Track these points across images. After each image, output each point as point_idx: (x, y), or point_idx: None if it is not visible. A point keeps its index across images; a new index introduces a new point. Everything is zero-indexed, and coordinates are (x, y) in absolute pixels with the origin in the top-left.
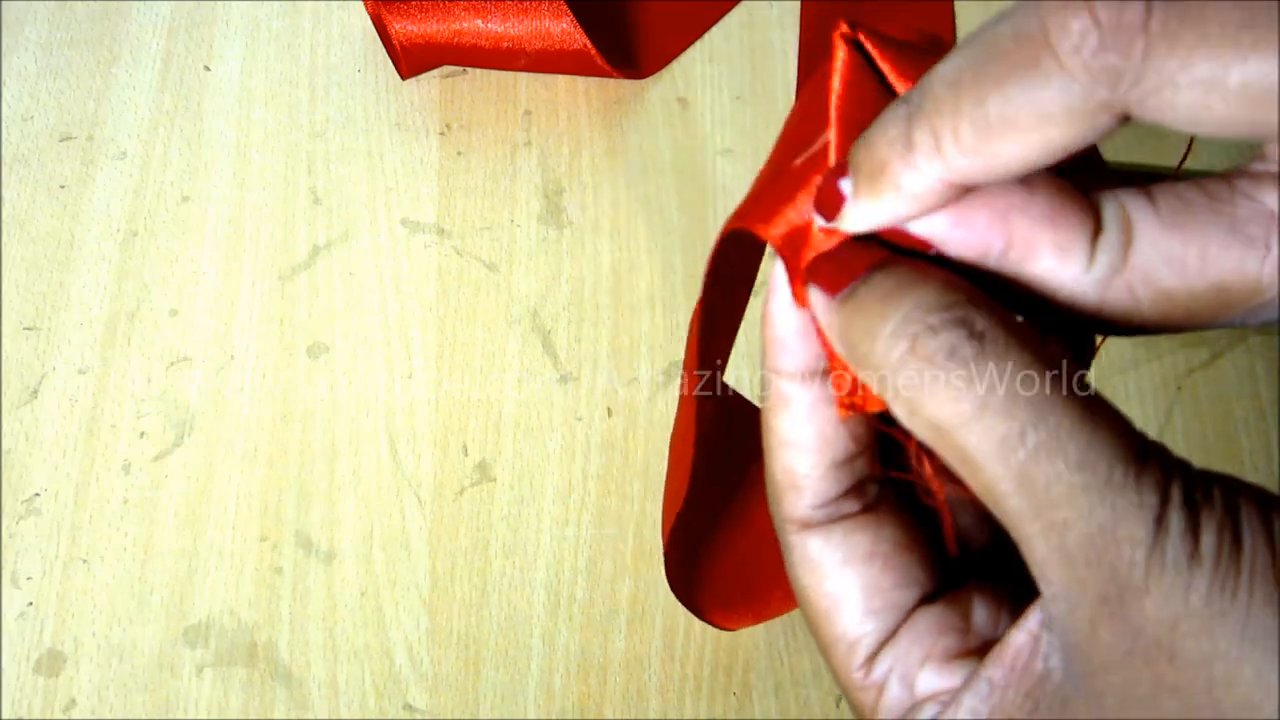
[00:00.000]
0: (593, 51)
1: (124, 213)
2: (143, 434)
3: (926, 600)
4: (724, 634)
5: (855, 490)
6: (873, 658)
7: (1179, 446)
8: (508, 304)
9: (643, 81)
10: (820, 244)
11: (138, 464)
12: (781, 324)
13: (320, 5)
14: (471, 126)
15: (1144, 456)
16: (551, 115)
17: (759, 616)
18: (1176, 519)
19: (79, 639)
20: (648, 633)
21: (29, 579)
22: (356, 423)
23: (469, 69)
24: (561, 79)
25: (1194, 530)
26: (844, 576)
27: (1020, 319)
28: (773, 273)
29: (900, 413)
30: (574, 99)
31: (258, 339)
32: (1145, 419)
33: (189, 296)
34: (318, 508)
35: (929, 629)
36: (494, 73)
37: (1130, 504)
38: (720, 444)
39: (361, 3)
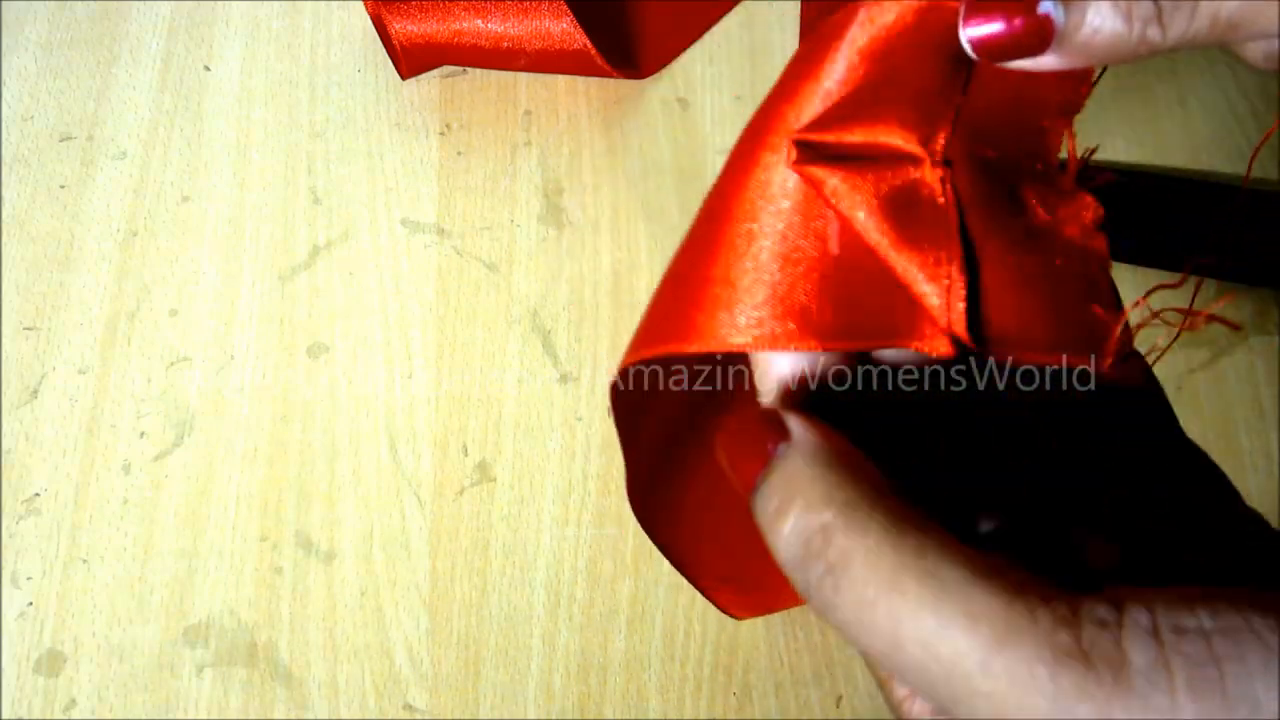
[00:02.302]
0: (593, 51)
1: (124, 213)
2: (143, 434)
3: None
4: (724, 634)
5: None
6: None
7: None
8: (508, 304)
9: (643, 81)
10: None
11: (138, 464)
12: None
13: (320, 5)
14: (471, 126)
15: (1030, 614)
16: (551, 115)
17: (770, 606)
18: (1084, 674)
19: (79, 639)
20: (648, 633)
21: (29, 579)
22: (356, 423)
23: (469, 69)
24: (561, 79)
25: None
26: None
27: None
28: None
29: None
30: (574, 99)
31: (258, 339)
32: None
33: (189, 296)
34: (318, 508)
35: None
36: (494, 73)
37: (1024, 681)
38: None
39: (361, 3)
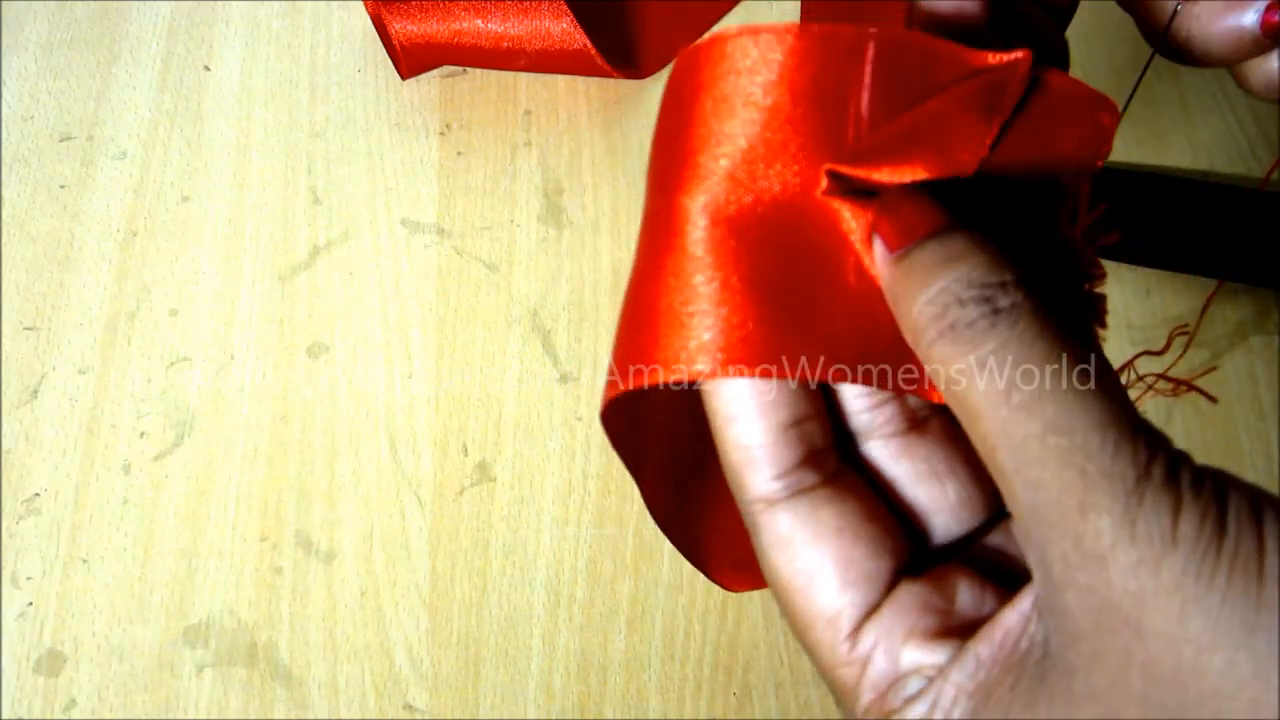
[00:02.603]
0: (593, 51)
1: (124, 213)
2: (143, 434)
3: (906, 576)
4: (724, 634)
5: (812, 460)
6: (856, 631)
7: (1179, 447)
8: (508, 304)
9: (643, 81)
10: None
11: (138, 464)
12: (738, 453)
13: (320, 5)
14: (471, 126)
15: (1132, 432)
16: (551, 115)
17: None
18: (1154, 496)
19: (79, 639)
20: (648, 633)
21: (29, 579)
22: (356, 423)
23: (469, 69)
24: (561, 79)
25: (1173, 510)
26: (816, 551)
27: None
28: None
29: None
30: (574, 99)
31: (258, 339)
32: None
33: (189, 296)
34: (318, 508)
35: (912, 605)
36: (494, 73)
37: (1101, 472)
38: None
39: (361, 3)
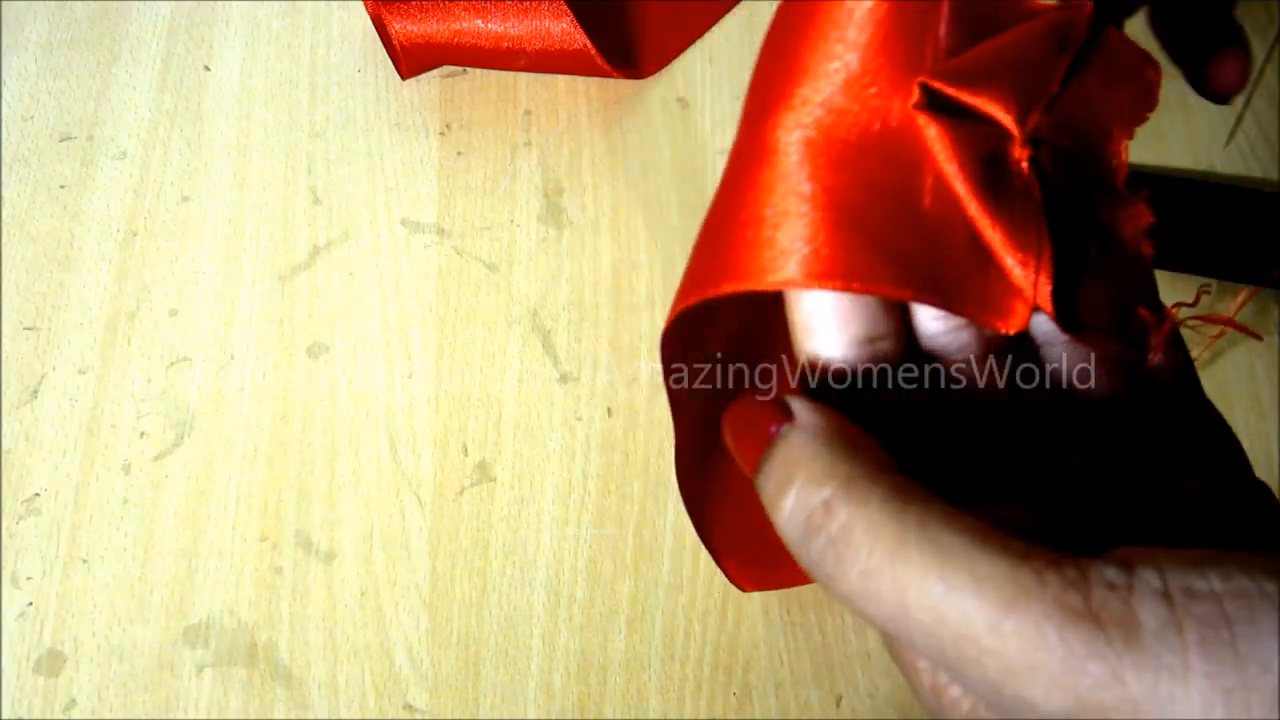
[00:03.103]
0: (593, 51)
1: (124, 213)
2: (143, 434)
3: None
4: (724, 634)
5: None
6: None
7: None
8: (508, 304)
9: (643, 81)
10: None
11: (138, 464)
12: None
13: (320, 5)
14: (471, 126)
15: (1023, 593)
16: (551, 115)
17: (778, 583)
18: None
19: (79, 639)
20: (648, 633)
21: (29, 579)
22: (356, 423)
23: (469, 69)
24: (561, 79)
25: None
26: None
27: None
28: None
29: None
30: (574, 99)
31: (258, 339)
32: None
33: (189, 296)
34: (318, 508)
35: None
36: (494, 73)
37: (1035, 643)
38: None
39: (361, 3)
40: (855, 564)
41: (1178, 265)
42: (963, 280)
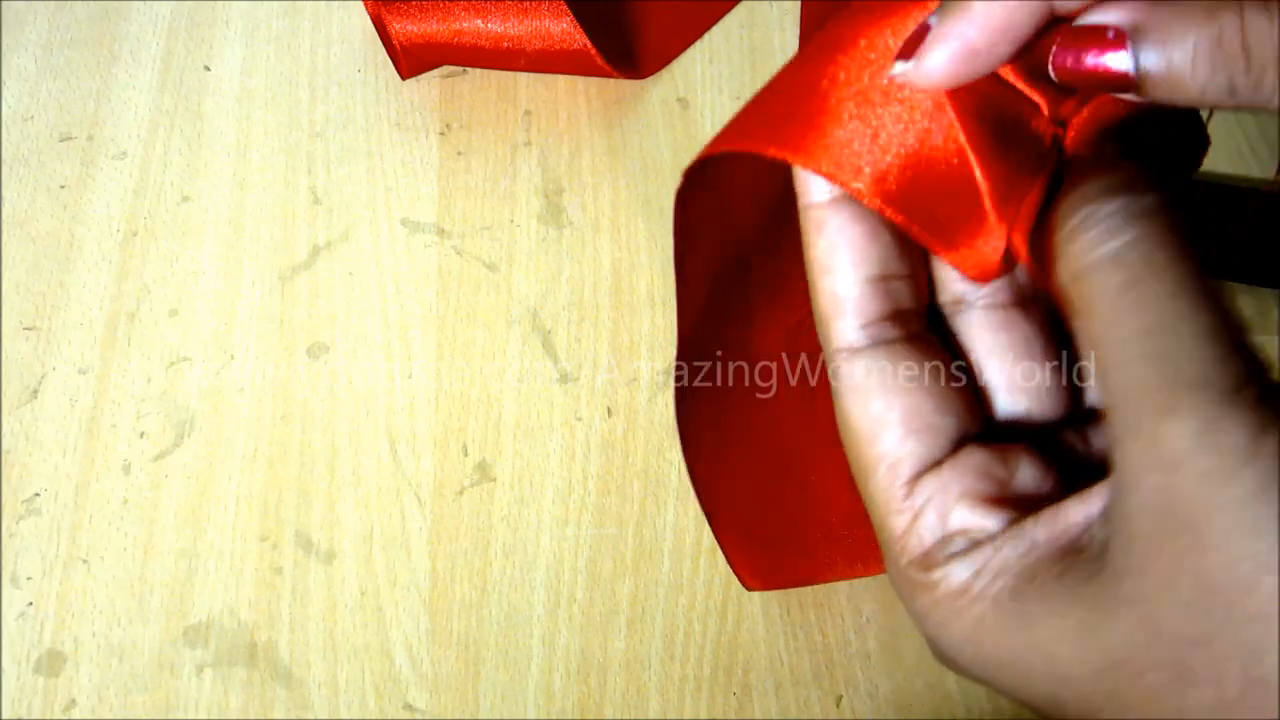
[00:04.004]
0: (593, 51)
1: (124, 213)
2: (143, 434)
3: (971, 441)
4: (724, 634)
5: (897, 317)
6: (914, 480)
7: None
8: (508, 304)
9: (643, 81)
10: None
11: (138, 464)
12: (827, 301)
13: (320, 5)
14: (471, 126)
15: (1235, 349)
16: (551, 115)
17: (783, 582)
18: (1241, 412)
19: (79, 639)
20: (648, 633)
21: (29, 579)
22: (356, 423)
23: (469, 69)
24: (561, 79)
25: (1257, 429)
26: (886, 399)
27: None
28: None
29: (1059, 259)
30: (574, 99)
31: (258, 339)
32: None
33: (189, 296)
34: (318, 508)
35: (972, 468)
36: (494, 73)
37: (1195, 378)
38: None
39: (361, 3)
40: (1122, 278)
41: None
42: (949, 222)
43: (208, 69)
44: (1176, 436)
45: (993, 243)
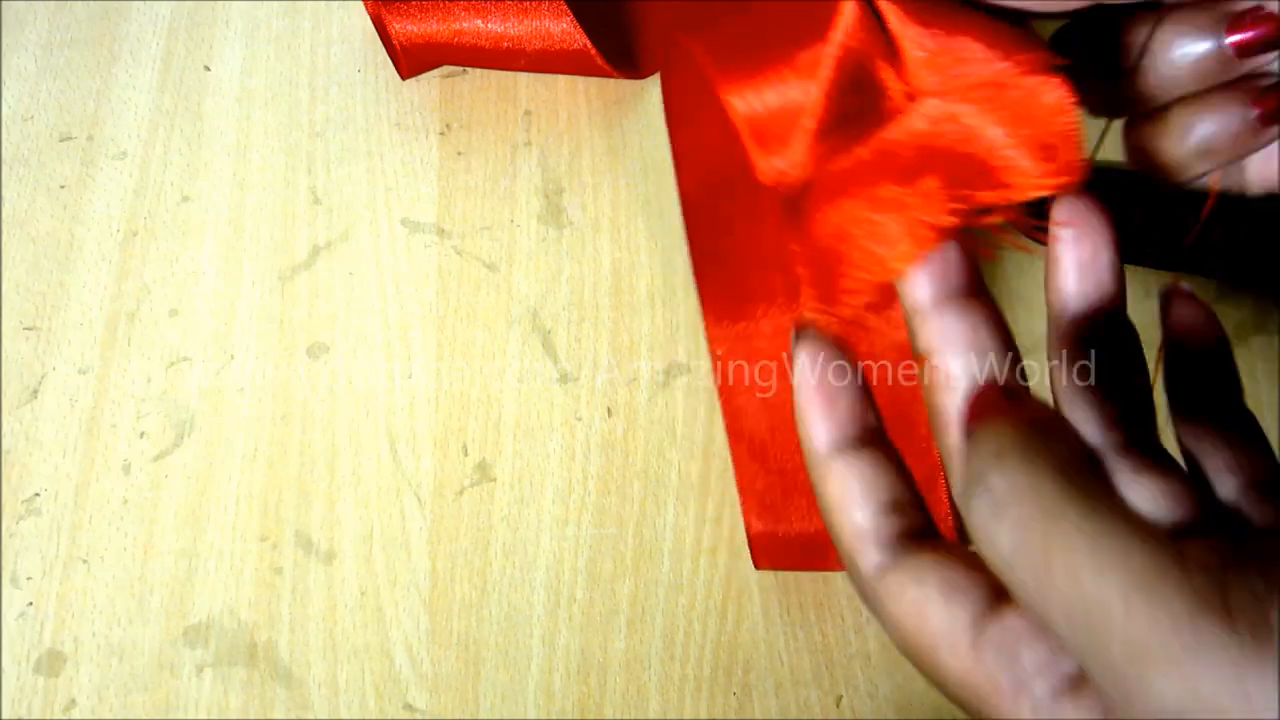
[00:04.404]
0: (593, 51)
1: (124, 213)
2: (143, 434)
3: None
4: (724, 634)
5: (914, 533)
6: (976, 644)
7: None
8: (508, 304)
9: (643, 81)
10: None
11: (138, 464)
12: (805, 399)
13: (320, 5)
14: (471, 126)
15: (1162, 574)
16: (551, 115)
17: (793, 563)
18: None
19: (79, 639)
20: (648, 633)
21: (29, 579)
22: (356, 423)
23: (469, 69)
24: (561, 79)
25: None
26: (945, 608)
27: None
28: (793, 346)
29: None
30: (574, 99)
31: (258, 339)
32: None
33: (189, 296)
34: (318, 508)
35: (1021, 627)
36: (494, 73)
37: (1168, 618)
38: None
39: (361, 3)
40: (1011, 514)
41: (1178, 265)
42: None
43: (208, 69)
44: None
45: (790, 158)
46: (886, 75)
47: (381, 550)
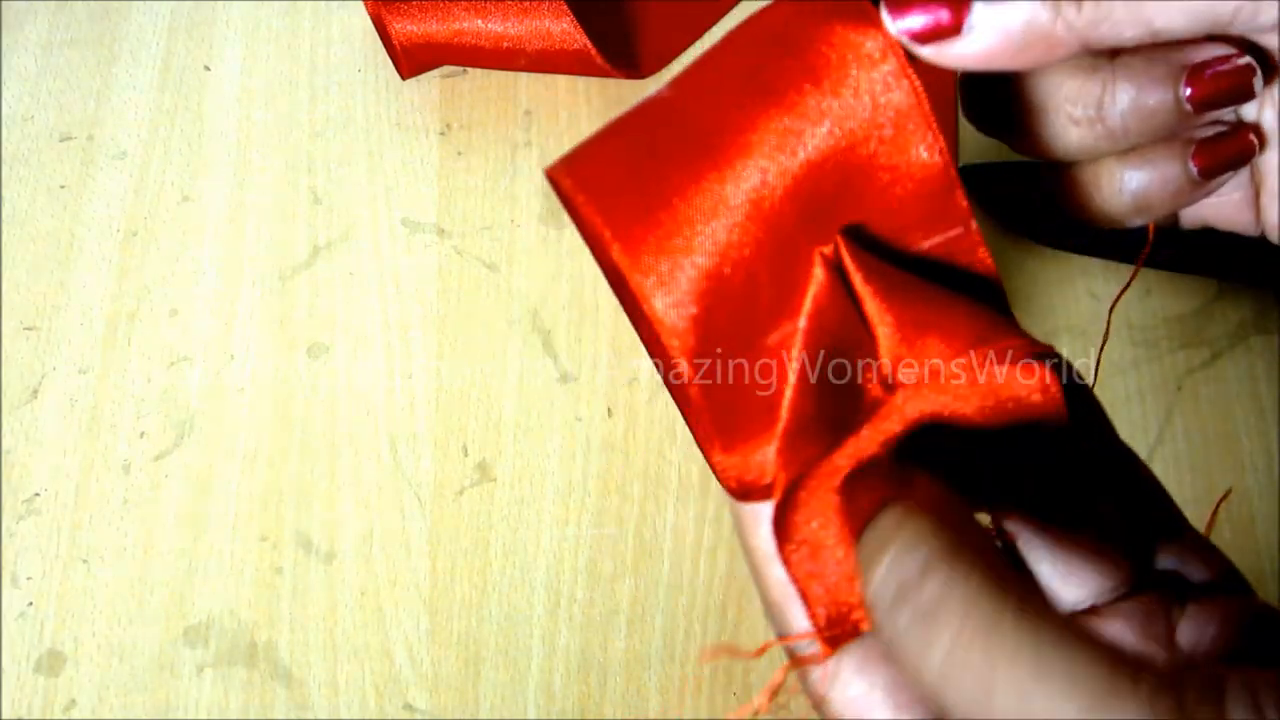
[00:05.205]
0: (593, 51)
1: (124, 213)
2: (143, 434)
3: None
4: (724, 634)
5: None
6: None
7: (1179, 446)
8: (508, 304)
9: (643, 81)
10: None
11: (138, 464)
12: (778, 590)
13: (320, 5)
14: (471, 126)
15: (1131, 682)
16: (551, 115)
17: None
18: None
19: (79, 639)
20: (648, 633)
21: (29, 579)
22: (356, 423)
23: (469, 69)
24: (561, 79)
25: None
26: (865, 680)
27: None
28: (754, 533)
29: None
30: (574, 99)
31: (258, 339)
32: (1145, 419)
33: (189, 296)
34: (318, 508)
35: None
36: (494, 73)
37: None
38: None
39: (361, 3)
40: (945, 634)
41: (1178, 265)
42: (739, 426)
43: (208, 69)
44: None
45: (757, 468)
46: (861, 357)
47: (381, 550)
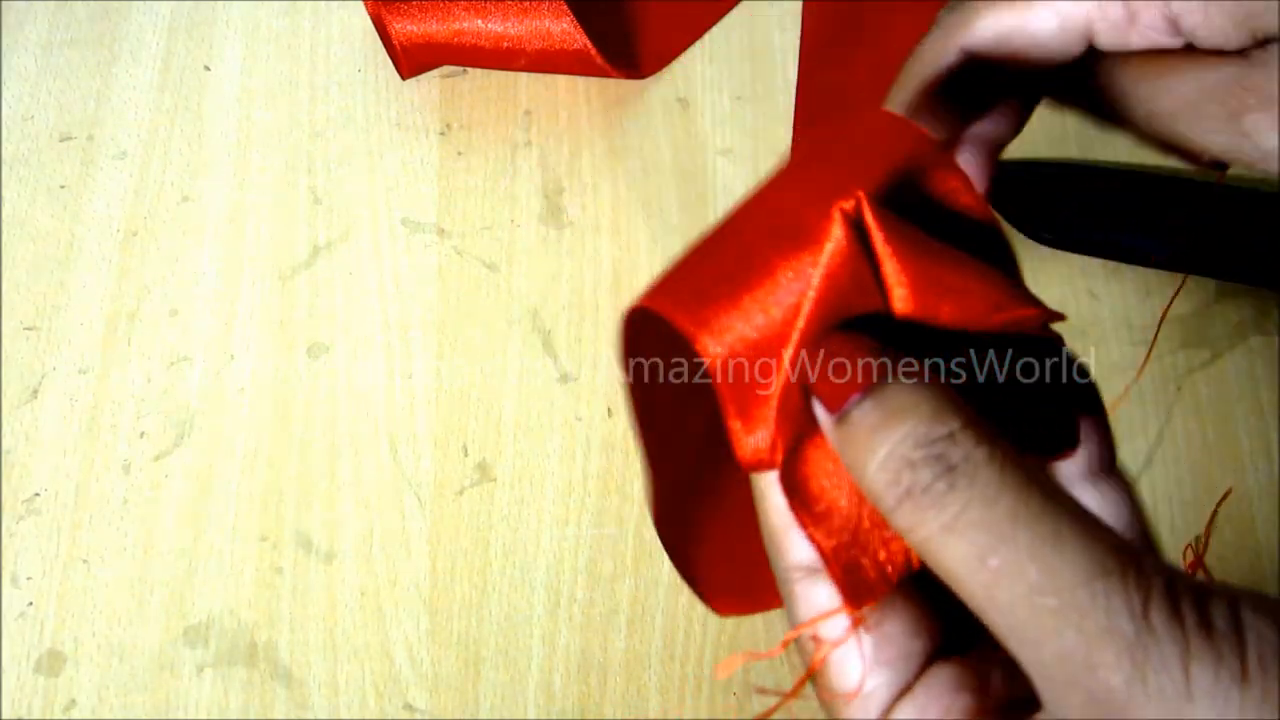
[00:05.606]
0: (593, 51)
1: (124, 213)
2: (143, 434)
3: (940, 655)
4: (724, 634)
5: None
6: (888, 711)
7: (1179, 446)
8: (508, 304)
9: (643, 81)
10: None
11: (138, 464)
12: (779, 519)
13: (320, 5)
14: (471, 126)
15: (1121, 576)
16: (551, 115)
17: (755, 606)
18: (1159, 648)
19: (79, 639)
20: (648, 633)
21: (29, 579)
22: (356, 423)
23: (469, 69)
24: (561, 79)
25: (1183, 660)
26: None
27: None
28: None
29: (898, 530)
30: (574, 99)
31: (258, 339)
32: (1145, 419)
33: (189, 296)
34: (318, 508)
35: (946, 686)
36: (494, 73)
37: (1099, 629)
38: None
39: (361, 3)
40: (968, 497)
41: (1178, 265)
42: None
43: (208, 69)
44: (1108, 690)
45: (757, 441)
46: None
47: (381, 550)
